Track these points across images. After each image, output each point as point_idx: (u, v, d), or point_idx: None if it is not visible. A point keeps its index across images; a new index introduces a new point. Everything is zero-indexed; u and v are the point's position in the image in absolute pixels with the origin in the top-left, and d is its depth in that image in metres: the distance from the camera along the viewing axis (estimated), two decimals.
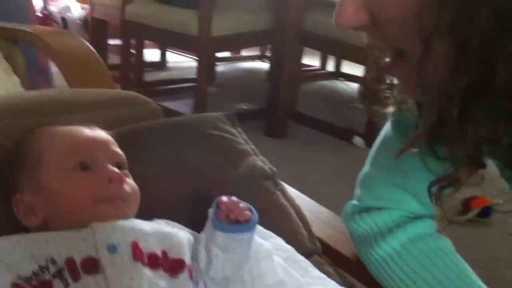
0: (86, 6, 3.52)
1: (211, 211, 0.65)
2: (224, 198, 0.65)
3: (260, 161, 0.90)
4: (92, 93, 1.00)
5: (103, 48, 3.09)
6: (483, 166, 0.48)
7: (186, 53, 3.95)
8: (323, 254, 0.85)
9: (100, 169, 0.65)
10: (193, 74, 2.48)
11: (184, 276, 0.63)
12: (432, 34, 0.42)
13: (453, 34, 0.41)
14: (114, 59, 3.07)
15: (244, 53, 4.05)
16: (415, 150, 0.54)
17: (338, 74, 3.67)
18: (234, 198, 0.65)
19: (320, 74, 3.67)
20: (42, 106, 0.89)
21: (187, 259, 0.64)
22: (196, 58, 3.78)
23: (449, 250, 0.74)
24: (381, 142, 0.76)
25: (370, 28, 0.48)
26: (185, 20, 2.33)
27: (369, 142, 2.39)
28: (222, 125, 0.91)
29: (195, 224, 0.72)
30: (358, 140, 2.43)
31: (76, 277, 0.57)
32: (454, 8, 0.40)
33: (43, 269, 0.57)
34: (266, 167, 0.89)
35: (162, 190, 0.78)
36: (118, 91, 1.08)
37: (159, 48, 3.62)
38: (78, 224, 0.61)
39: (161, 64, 3.63)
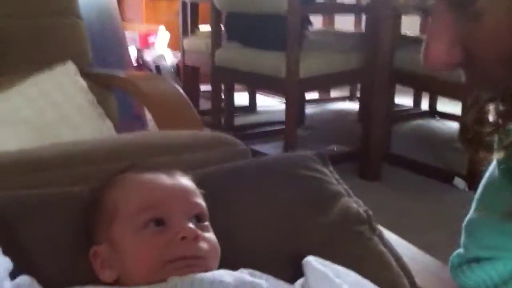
0: (179, 53, 3.64)
1: None
2: None
3: (355, 203, 0.83)
4: (180, 135, 0.99)
5: (194, 94, 3.17)
6: None
7: (275, 96, 3.97)
8: None
9: (174, 226, 0.61)
10: (282, 117, 2.46)
11: None
12: None
13: None
14: (206, 105, 3.13)
15: (333, 94, 4.01)
16: None
17: (433, 113, 3.51)
18: None
19: (414, 113, 3.54)
20: (131, 149, 0.89)
21: None
22: (282, 100, 3.84)
23: None
24: (487, 184, 0.67)
25: (465, 65, 0.44)
26: (273, 62, 2.33)
27: (471, 184, 2.24)
28: (313, 165, 0.85)
29: (283, 274, 0.67)
30: (459, 182, 2.28)
31: None
32: None
33: None
34: (361, 210, 0.82)
35: (248, 237, 0.73)
36: (205, 133, 1.06)
37: (248, 92, 3.66)
38: (153, 280, 0.58)
39: (251, 108, 3.65)
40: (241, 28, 2.55)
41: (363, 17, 3.68)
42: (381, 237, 0.81)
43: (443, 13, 0.43)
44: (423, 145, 2.87)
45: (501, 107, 0.48)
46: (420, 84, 2.55)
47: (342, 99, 3.95)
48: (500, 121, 0.49)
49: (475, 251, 0.68)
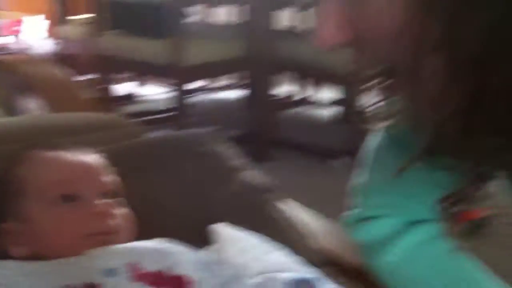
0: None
1: None
2: None
3: (255, 175, 0.87)
4: (75, 117, 0.98)
5: None
6: (491, 178, 0.49)
7: (159, 85, 3.93)
8: (328, 265, 0.82)
9: (86, 202, 0.62)
10: (168, 105, 2.46)
11: None
12: (422, 49, 0.41)
13: (443, 48, 0.40)
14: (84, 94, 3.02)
15: (218, 82, 4.04)
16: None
17: (313, 99, 3.68)
18: None
19: (296, 100, 3.67)
20: (27, 130, 0.87)
21: (190, 276, 0.61)
22: (168, 88, 3.81)
23: (459, 251, 0.72)
24: (376, 150, 0.73)
25: (354, 45, 0.48)
26: (158, 50, 2.34)
27: (353, 161, 2.39)
28: (210, 142, 0.88)
29: (194, 242, 0.69)
30: (341, 161, 2.43)
31: None
32: (442, 22, 0.39)
33: None
34: (262, 180, 0.86)
35: (159, 209, 0.75)
36: (99, 115, 1.05)
37: (133, 80, 3.58)
38: (69, 253, 0.59)
39: (132, 97, 3.59)
40: (126, 16, 2.52)
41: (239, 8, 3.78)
42: (279, 205, 0.86)
43: None
44: (306, 129, 3.01)
45: (386, 81, 0.52)
46: (302, 71, 2.67)
47: (229, 86, 4.00)
48: (387, 94, 0.54)
49: (370, 210, 0.75)
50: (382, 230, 0.73)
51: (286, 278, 0.63)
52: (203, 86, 3.90)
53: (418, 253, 0.72)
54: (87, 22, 2.94)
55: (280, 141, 2.64)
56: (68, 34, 3.02)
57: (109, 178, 0.66)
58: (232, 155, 0.88)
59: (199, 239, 0.72)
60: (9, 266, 0.57)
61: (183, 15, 2.28)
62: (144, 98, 3.60)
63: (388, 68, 0.48)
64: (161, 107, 3.10)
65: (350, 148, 2.37)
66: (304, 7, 3.31)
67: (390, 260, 0.72)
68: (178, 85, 2.35)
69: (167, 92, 3.82)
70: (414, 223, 0.73)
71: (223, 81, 3.99)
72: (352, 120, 3.03)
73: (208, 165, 0.83)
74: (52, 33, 3.60)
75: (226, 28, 3.11)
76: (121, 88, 3.26)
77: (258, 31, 2.39)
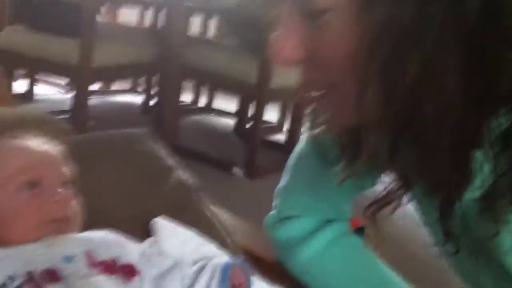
0: None
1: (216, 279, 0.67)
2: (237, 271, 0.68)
3: (185, 174, 0.94)
4: (2, 113, 0.98)
5: None
6: (410, 186, 0.56)
7: (53, 85, 3.83)
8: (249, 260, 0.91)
9: (47, 189, 0.65)
10: (62, 107, 2.39)
11: (136, 280, 0.65)
12: (365, 75, 0.48)
13: (383, 77, 0.47)
14: None
15: (115, 87, 4.02)
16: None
17: (210, 109, 3.78)
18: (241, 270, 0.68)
19: (194, 108, 3.76)
20: None
21: (137, 265, 0.67)
22: (62, 89, 3.72)
23: (363, 248, 0.83)
24: (297, 156, 0.82)
25: (306, 63, 0.53)
26: (65, 49, 2.28)
27: (248, 172, 2.51)
28: (145, 142, 0.95)
29: (135, 234, 0.75)
30: (237, 171, 2.53)
31: None
32: (384, 53, 0.46)
33: (2, 287, 0.56)
34: (190, 181, 0.94)
35: (101, 203, 0.79)
36: (28, 111, 1.06)
37: (28, 78, 3.47)
38: (27, 239, 0.62)
39: (28, 95, 3.47)
40: (31, 11, 2.44)
41: (147, 12, 3.80)
42: (206, 204, 0.94)
43: (293, 17, 0.51)
44: (203, 138, 3.09)
45: (320, 96, 0.57)
46: (204, 80, 2.75)
47: (124, 91, 3.99)
48: (323, 107, 0.59)
49: (287, 211, 0.84)
50: (297, 229, 0.82)
51: (220, 262, 0.70)
52: (103, 88, 3.87)
53: (329, 249, 0.81)
54: None
55: (179, 147, 2.68)
56: None
57: (68, 168, 0.70)
58: (166, 155, 0.95)
59: (138, 233, 0.78)
60: None
61: (93, 14, 2.26)
62: (37, 97, 3.49)
63: (331, 85, 0.53)
64: (57, 108, 3.03)
65: (245, 158, 2.51)
66: (209, 15, 3.42)
67: (304, 257, 0.81)
68: (82, 85, 2.31)
69: (62, 92, 3.75)
70: (326, 222, 0.82)
71: (120, 84, 3.98)
72: (244, 131, 3.15)
73: (147, 163, 0.89)
74: None
75: (135, 31, 3.13)
76: (17, 86, 3.16)
77: (172, 37, 2.44)
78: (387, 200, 0.58)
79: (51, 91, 3.76)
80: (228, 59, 2.52)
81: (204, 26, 3.68)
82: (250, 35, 2.59)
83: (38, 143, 0.69)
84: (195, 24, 3.07)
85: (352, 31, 0.48)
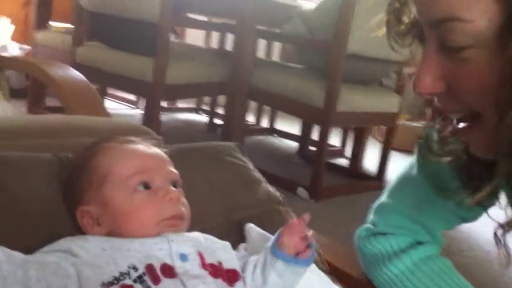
0: (26, 46, 3.48)
1: (272, 239, 0.70)
2: (295, 220, 0.70)
3: (271, 188, 0.97)
4: (101, 121, 1.05)
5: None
6: None
7: (122, 102, 3.97)
8: (331, 274, 0.93)
9: (160, 189, 0.69)
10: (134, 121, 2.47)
11: (239, 286, 0.68)
12: (507, 105, 0.49)
13: None
14: (53, 101, 3.03)
15: (180, 105, 4.13)
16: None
17: (272, 130, 3.83)
18: (304, 219, 0.70)
19: (257, 129, 3.81)
20: (58, 128, 0.94)
21: (240, 271, 0.69)
22: (133, 106, 3.85)
23: (453, 269, 0.84)
24: (402, 178, 0.86)
25: (445, 95, 0.56)
26: (140, 66, 2.38)
27: (312, 193, 2.52)
28: (235, 153, 0.98)
29: (227, 240, 0.78)
30: (302, 192, 2.54)
31: (156, 281, 0.61)
32: None
33: (124, 275, 0.60)
34: (278, 194, 0.96)
35: (197, 210, 0.82)
36: (122, 121, 1.12)
37: (100, 94, 3.61)
38: (143, 235, 0.66)
39: None
40: (108, 29, 2.56)
41: (213, 34, 3.90)
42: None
43: (433, 52, 0.54)
44: (267, 158, 3.12)
45: (460, 125, 0.59)
46: (271, 101, 2.79)
47: (189, 110, 4.10)
48: (460, 135, 0.61)
49: (383, 227, 0.86)
50: (391, 244, 0.84)
51: None
52: (169, 105, 3.99)
53: (420, 267, 0.82)
54: (66, 31, 2.99)
55: None
56: (43, 40, 3.03)
57: (174, 169, 0.74)
58: (254, 167, 0.99)
59: (232, 238, 0.81)
60: (92, 240, 0.64)
61: (168, 34, 2.34)
62: (109, 111, 3.62)
63: (474, 116, 0.55)
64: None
65: (309, 180, 2.52)
66: (276, 39, 3.48)
67: (394, 271, 0.83)
68: (155, 102, 2.39)
69: (132, 107, 3.88)
70: (418, 243, 0.84)
71: (185, 103, 4.08)
72: (307, 153, 3.16)
73: (237, 174, 0.93)
74: (19, 38, 3.60)
75: (205, 51, 3.22)
76: None
77: (241, 58, 2.50)
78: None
79: (120, 106, 3.90)
80: (295, 82, 2.55)
81: (269, 49, 3.76)
82: (318, 60, 2.62)
83: (147, 146, 0.74)
84: (260, 46, 3.13)
85: (492, 65, 0.50)
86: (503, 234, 0.62)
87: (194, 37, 3.90)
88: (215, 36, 3.79)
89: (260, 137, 3.68)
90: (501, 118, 0.50)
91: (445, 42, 0.52)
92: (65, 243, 0.63)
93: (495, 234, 0.62)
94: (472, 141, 0.59)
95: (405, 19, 0.62)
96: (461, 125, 0.59)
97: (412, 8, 0.59)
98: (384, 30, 0.64)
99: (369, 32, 2.38)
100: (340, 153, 3.48)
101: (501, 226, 0.60)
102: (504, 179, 0.54)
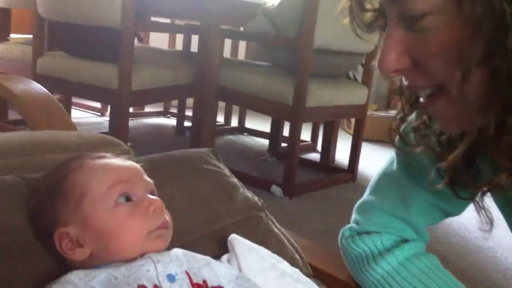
0: None
1: None
2: None
3: (249, 194, 0.95)
4: (68, 135, 1.01)
5: (3, 103, 2.98)
6: None
7: (87, 110, 3.90)
8: (315, 277, 0.91)
9: (142, 200, 0.66)
10: (99, 129, 2.42)
11: None
12: (469, 63, 0.51)
13: (486, 62, 0.50)
14: (15, 115, 2.96)
15: (148, 109, 4.08)
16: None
17: (242, 129, 3.82)
18: None
19: (227, 128, 3.79)
20: (23, 146, 0.90)
21: (225, 285, 0.67)
22: (99, 114, 3.79)
23: (440, 266, 0.83)
24: (383, 174, 0.85)
25: (410, 70, 0.57)
26: (105, 73, 2.33)
27: (286, 190, 2.51)
28: (211, 160, 0.96)
29: (208, 252, 0.75)
30: (276, 189, 2.53)
31: None
32: (486, 40, 0.50)
33: None
34: (256, 199, 0.95)
35: (175, 221, 0.80)
36: (90, 134, 1.09)
37: (63, 103, 3.53)
38: (129, 254, 0.63)
39: None
40: (69, 38, 2.50)
41: (178, 36, 3.86)
42: (273, 221, 0.95)
43: (395, 29, 0.55)
44: (239, 158, 3.10)
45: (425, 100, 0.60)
46: (240, 101, 2.77)
47: (157, 114, 4.05)
48: (430, 112, 0.63)
49: (367, 226, 0.85)
50: (376, 243, 0.84)
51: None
52: (136, 110, 3.93)
53: (406, 265, 0.82)
54: (26, 41, 2.91)
55: None
56: (3, 53, 2.95)
57: (149, 179, 0.71)
58: (230, 173, 0.97)
59: (213, 249, 0.80)
60: (75, 278, 0.59)
61: (132, 39, 2.30)
62: (75, 120, 3.55)
63: (436, 88, 0.57)
64: (96, 130, 3.09)
65: (282, 177, 2.52)
66: (241, 37, 3.46)
67: (380, 271, 0.82)
68: (122, 109, 2.34)
69: (97, 115, 3.81)
70: (404, 241, 0.84)
71: (151, 108, 4.03)
72: (279, 150, 3.17)
73: (215, 182, 0.90)
74: None
75: (170, 54, 3.18)
76: None
77: (207, 60, 2.47)
78: (494, 183, 0.57)
79: (87, 114, 3.83)
80: (263, 80, 2.53)
81: (234, 48, 3.74)
82: (285, 57, 2.62)
83: (121, 160, 0.71)
84: (225, 46, 3.11)
85: (451, 29, 0.51)
86: (481, 197, 0.63)
87: (159, 40, 3.85)
88: (179, 38, 3.75)
89: (231, 137, 3.66)
90: (464, 77, 0.51)
91: (406, 12, 0.53)
92: None
93: (474, 198, 0.64)
94: (438, 113, 0.60)
95: (368, 6, 0.62)
96: (426, 100, 0.60)
97: None
98: (347, 17, 0.65)
99: (334, 25, 2.38)
100: (311, 147, 3.49)
101: (478, 188, 0.61)
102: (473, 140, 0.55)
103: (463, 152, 0.58)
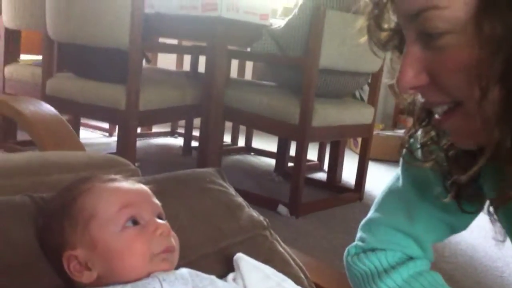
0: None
1: None
2: None
3: (254, 213, 0.96)
4: (77, 155, 1.03)
5: (14, 123, 3.02)
6: None
7: (95, 130, 3.94)
8: None
9: (149, 223, 0.67)
10: (108, 149, 2.43)
11: None
12: (488, 82, 0.52)
13: (504, 80, 0.52)
14: (24, 136, 2.99)
15: (155, 129, 4.11)
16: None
17: (249, 149, 3.83)
18: None
19: (233, 148, 3.81)
20: (30, 166, 0.91)
21: None
22: (108, 134, 3.82)
23: (444, 284, 0.83)
24: (389, 191, 0.86)
25: (428, 87, 0.58)
26: (112, 94, 2.36)
27: (293, 210, 2.52)
28: (216, 179, 0.98)
29: (213, 271, 0.76)
30: (282, 209, 2.53)
31: None
32: (505, 59, 0.51)
33: None
34: (261, 218, 0.96)
35: (180, 240, 0.81)
36: (98, 154, 1.10)
37: (72, 124, 3.57)
38: (135, 276, 0.64)
39: None
40: (77, 59, 2.53)
41: (185, 57, 3.90)
42: (278, 240, 0.96)
43: (413, 47, 0.57)
44: (246, 177, 3.11)
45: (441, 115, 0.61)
46: (246, 121, 2.79)
47: (164, 134, 4.08)
48: (446, 128, 0.63)
49: (372, 244, 0.86)
50: (381, 260, 0.84)
51: None
52: (143, 131, 3.96)
53: (410, 283, 0.82)
54: (35, 63, 2.95)
55: None
56: (12, 74, 3.00)
57: (157, 201, 0.72)
58: (236, 192, 0.98)
59: (218, 268, 0.80)
60: None
61: (140, 61, 2.33)
62: (84, 141, 3.58)
63: (453, 104, 0.58)
64: (104, 150, 3.11)
65: (288, 197, 2.52)
66: (248, 58, 3.49)
67: (385, 287, 0.82)
68: (129, 129, 2.37)
69: (106, 135, 3.84)
70: (409, 258, 0.84)
71: (158, 129, 4.06)
72: (286, 170, 3.17)
73: (220, 201, 0.92)
74: None
75: (177, 75, 3.21)
76: None
77: (214, 80, 2.49)
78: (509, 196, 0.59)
79: (95, 135, 3.86)
80: (269, 100, 2.55)
81: (241, 68, 3.77)
82: (291, 77, 2.64)
83: (131, 183, 0.73)
84: (232, 66, 3.14)
85: (470, 48, 0.53)
86: (495, 210, 0.64)
87: (166, 61, 3.89)
88: (187, 59, 3.78)
89: (237, 157, 3.67)
90: (483, 96, 0.52)
91: (424, 31, 0.55)
92: None
93: (488, 210, 0.65)
94: (453, 128, 0.61)
95: (385, 26, 0.64)
96: (441, 116, 0.61)
97: (392, 16, 0.62)
98: (364, 37, 0.66)
99: (339, 46, 2.41)
100: (318, 167, 3.50)
101: (491, 202, 0.63)
102: (490, 154, 0.56)
103: (481, 165, 0.59)
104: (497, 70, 0.51)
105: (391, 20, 0.63)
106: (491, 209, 0.65)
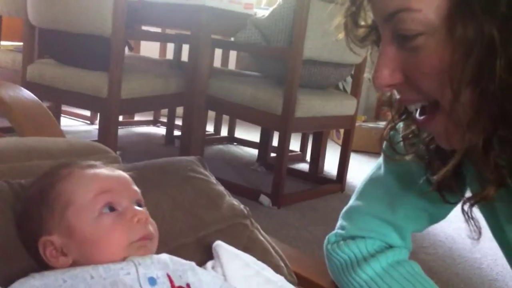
0: None
1: None
2: None
3: (235, 201, 0.96)
4: (56, 142, 1.01)
5: None
6: (504, 184, 0.59)
7: (77, 118, 3.90)
8: (299, 286, 0.92)
9: (126, 210, 0.67)
10: (88, 137, 2.42)
11: None
12: (459, 84, 0.54)
13: (475, 83, 0.53)
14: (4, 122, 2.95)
15: (137, 118, 4.08)
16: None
17: (231, 139, 3.83)
18: None
19: (216, 138, 3.80)
20: (10, 152, 0.90)
21: None
22: (89, 122, 3.78)
23: (422, 273, 0.84)
24: (370, 179, 0.86)
25: (403, 85, 0.60)
26: (94, 82, 2.33)
27: (274, 200, 2.52)
28: (197, 168, 0.97)
29: (193, 258, 0.76)
30: (264, 199, 2.53)
31: None
32: (476, 62, 0.52)
33: None
34: (242, 207, 0.95)
35: (160, 228, 0.80)
36: (78, 140, 1.09)
37: (52, 111, 3.53)
38: (115, 259, 0.63)
39: None
40: (59, 45, 2.50)
41: (168, 45, 3.87)
42: (258, 229, 0.96)
43: (388, 46, 0.58)
44: (228, 167, 3.11)
45: (422, 117, 0.63)
46: (229, 111, 2.78)
47: (147, 122, 4.05)
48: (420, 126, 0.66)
49: (352, 231, 0.86)
50: (360, 248, 0.84)
51: None
52: (125, 119, 3.93)
53: (389, 272, 0.82)
54: (16, 49, 2.91)
55: None
56: None
57: (138, 189, 0.72)
58: (216, 181, 0.98)
59: (198, 256, 0.80)
60: (48, 274, 0.60)
61: (122, 48, 2.30)
62: (64, 128, 3.55)
63: (434, 105, 0.59)
64: (85, 138, 3.08)
65: (271, 187, 2.53)
66: (232, 48, 3.47)
67: (363, 276, 0.83)
68: (111, 117, 2.34)
69: (87, 123, 3.81)
70: (389, 247, 0.85)
71: (140, 117, 4.03)
72: (268, 160, 3.18)
73: (201, 190, 0.91)
74: None
75: (160, 63, 3.19)
76: None
77: (198, 69, 2.48)
78: (482, 195, 0.60)
79: (76, 123, 3.83)
80: (252, 90, 2.55)
81: (224, 58, 3.75)
82: (274, 67, 2.63)
83: (110, 169, 0.72)
84: (216, 56, 3.12)
85: (442, 50, 0.54)
86: (470, 208, 0.65)
87: (149, 49, 3.86)
88: (170, 47, 3.76)
89: (220, 146, 3.67)
90: (455, 98, 0.54)
91: (399, 32, 0.56)
92: (19, 286, 0.59)
93: (463, 209, 0.66)
94: (434, 131, 0.62)
95: (362, 23, 0.66)
96: (423, 117, 0.62)
97: (368, 12, 0.64)
98: (342, 33, 0.68)
99: (323, 37, 2.41)
100: (300, 158, 3.51)
101: (467, 200, 0.64)
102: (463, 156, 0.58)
103: (452, 167, 0.61)
104: (469, 73, 0.53)
105: (367, 17, 0.65)
106: (466, 207, 0.66)
